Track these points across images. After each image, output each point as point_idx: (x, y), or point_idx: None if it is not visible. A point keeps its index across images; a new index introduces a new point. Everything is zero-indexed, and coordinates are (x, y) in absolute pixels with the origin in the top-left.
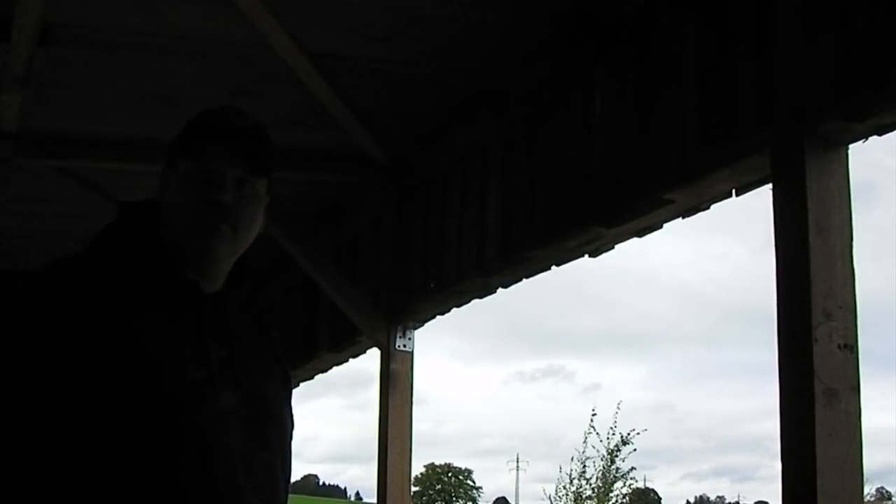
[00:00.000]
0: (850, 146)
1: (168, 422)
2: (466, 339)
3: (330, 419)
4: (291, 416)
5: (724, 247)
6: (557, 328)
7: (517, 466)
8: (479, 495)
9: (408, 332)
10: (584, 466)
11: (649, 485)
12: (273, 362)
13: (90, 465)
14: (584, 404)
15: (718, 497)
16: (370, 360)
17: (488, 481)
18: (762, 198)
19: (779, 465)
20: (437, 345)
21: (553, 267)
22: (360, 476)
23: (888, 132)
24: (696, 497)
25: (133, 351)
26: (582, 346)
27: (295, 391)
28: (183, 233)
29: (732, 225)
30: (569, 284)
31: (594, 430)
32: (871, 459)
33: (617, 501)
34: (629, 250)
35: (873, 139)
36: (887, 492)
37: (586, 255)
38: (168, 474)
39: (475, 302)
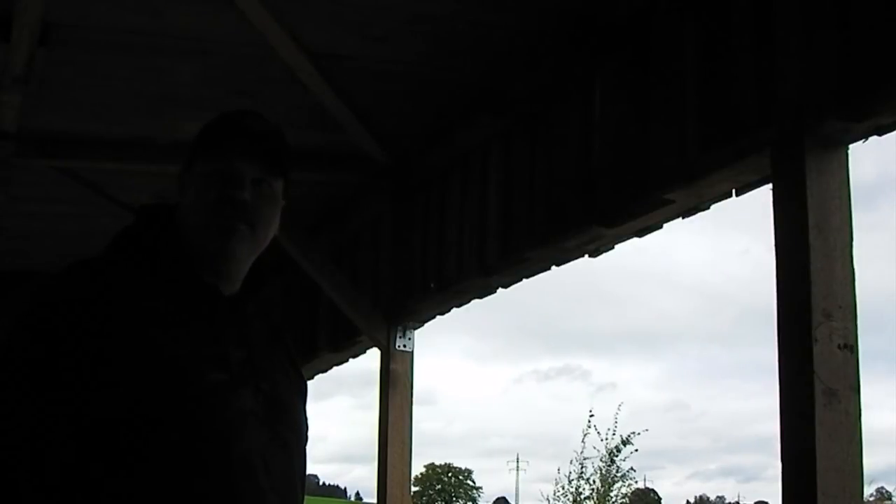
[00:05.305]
0: (851, 146)
1: (188, 423)
2: (481, 338)
3: (339, 419)
4: (306, 418)
5: (745, 243)
6: (574, 327)
7: (517, 466)
8: (479, 495)
9: (408, 332)
10: (583, 467)
11: (656, 485)
12: (288, 366)
13: (110, 466)
14: (597, 404)
15: (719, 497)
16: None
17: (493, 481)
18: None
19: None
20: (450, 344)
21: (553, 267)
22: (365, 476)
23: (888, 132)
24: (696, 497)
25: (152, 353)
26: (598, 345)
27: None
28: (201, 234)
29: (752, 221)
30: (586, 283)
31: (596, 429)
32: (872, 459)
33: (616, 502)
34: (648, 248)
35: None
36: (887, 492)
37: (586, 256)
38: (188, 475)
39: (489, 301)
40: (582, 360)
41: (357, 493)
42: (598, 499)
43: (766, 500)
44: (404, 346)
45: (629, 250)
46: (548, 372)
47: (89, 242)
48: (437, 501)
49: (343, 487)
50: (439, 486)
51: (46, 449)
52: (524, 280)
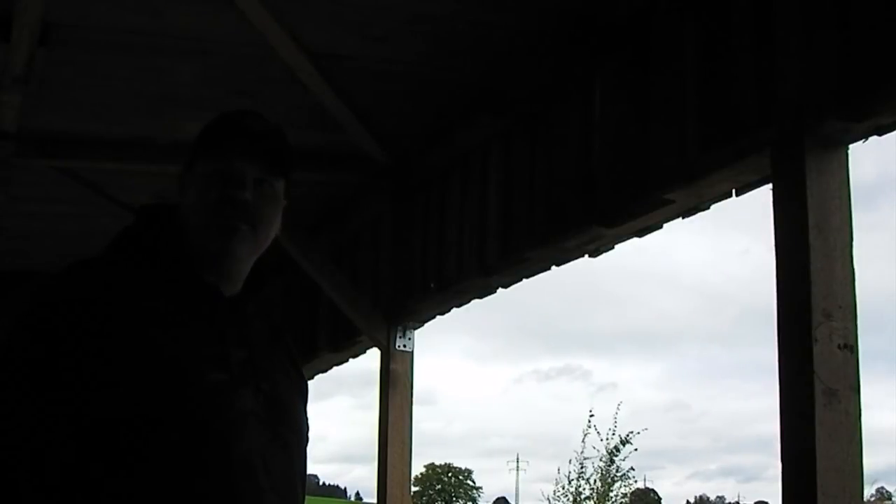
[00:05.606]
0: (851, 146)
1: (188, 423)
2: (481, 338)
3: (339, 419)
4: (307, 419)
5: (745, 243)
6: (574, 327)
7: (517, 466)
8: (479, 495)
9: (408, 332)
10: (583, 467)
11: (656, 485)
12: (289, 366)
13: (110, 466)
14: (597, 404)
15: (719, 497)
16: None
17: (493, 481)
18: None
19: None
20: (451, 344)
21: (553, 267)
22: (365, 476)
23: (888, 132)
24: (696, 497)
25: (152, 353)
26: (598, 345)
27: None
28: (202, 234)
29: (752, 221)
30: (587, 283)
31: (596, 430)
32: (872, 459)
33: (616, 502)
34: (648, 248)
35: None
36: (887, 492)
37: (586, 255)
38: (188, 476)
39: (489, 301)
40: (582, 360)
41: (357, 493)
42: (597, 499)
43: (766, 500)
44: (404, 346)
45: (629, 250)
46: (548, 372)
47: (89, 242)
48: (437, 501)
49: (343, 487)
50: (439, 486)
51: (46, 449)
52: (524, 280)
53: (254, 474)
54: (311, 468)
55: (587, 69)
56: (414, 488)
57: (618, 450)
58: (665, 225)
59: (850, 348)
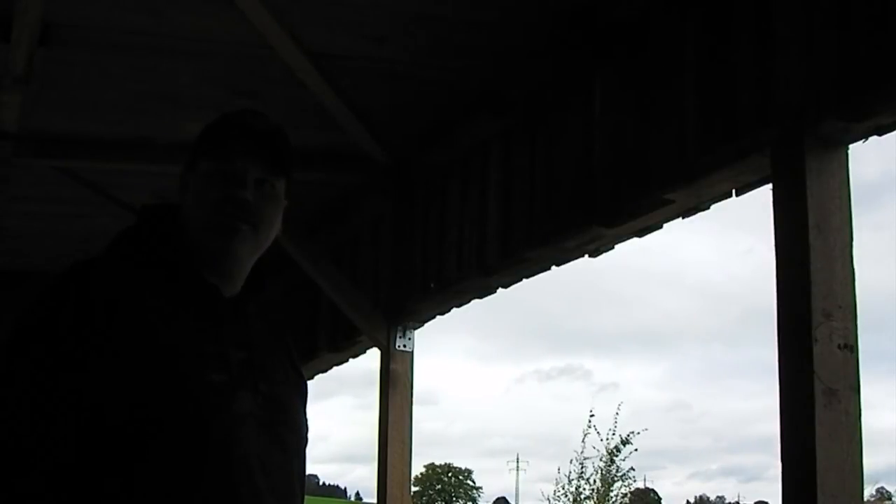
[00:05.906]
0: (851, 146)
1: (188, 424)
2: (484, 339)
3: (340, 419)
4: (306, 420)
5: (749, 243)
6: (576, 327)
7: (517, 466)
8: (479, 495)
9: (408, 332)
10: (583, 467)
11: (657, 485)
12: (289, 366)
13: (110, 466)
14: (598, 404)
15: (719, 497)
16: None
17: (493, 481)
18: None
19: None
20: (454, 344)
21: (553, 267)
22: (365, 476)
23: (888, 132)
24: (696, 497)
25: (153, 354)
26: (600, 345)
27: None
28: (203, 233)
29: (757, 220)
30: (589, 282)
31: (596, 430)
32: (872, 459)
33: (616, 502)
34: (650, 247)
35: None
36: (887, 492)
37: (586, 256)
38: (188, 477)
39: (492, 300)
40: (584, 359)
41: (357, 493)
42: (597, 499)
43: (766, 500)
44: (404, 346)
45: (632, 249)
46: (549, 372)
47: (89, 242)
48: (437, 501)
49: (343, 487)
50: (439, 486)
51: (46, 448)
52: (524, 280)
53: (253, 476)
54: (312, 468)
55: (587, 69)
56: (414, 488)
57: (618, 450)
58: (666, 225)
59: (850, 348)
